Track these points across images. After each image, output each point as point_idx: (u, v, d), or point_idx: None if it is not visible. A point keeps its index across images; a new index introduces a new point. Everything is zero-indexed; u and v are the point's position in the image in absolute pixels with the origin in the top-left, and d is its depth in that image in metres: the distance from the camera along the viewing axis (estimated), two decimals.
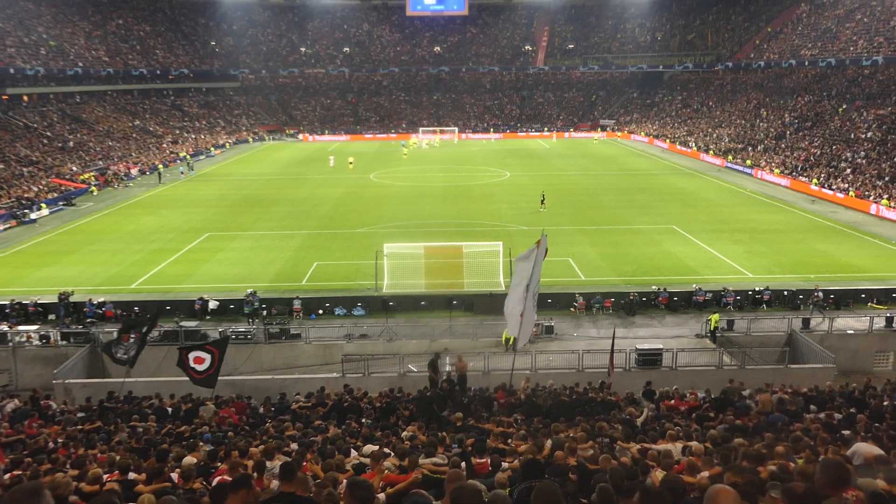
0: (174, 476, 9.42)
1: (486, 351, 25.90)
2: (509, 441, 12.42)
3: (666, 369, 24.92)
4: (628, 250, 39.26)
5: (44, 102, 78.45)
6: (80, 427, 15.47)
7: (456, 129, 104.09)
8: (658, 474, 8.80)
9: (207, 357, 19.22)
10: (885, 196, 48.57)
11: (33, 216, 48.13)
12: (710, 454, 10.56)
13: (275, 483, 7.82)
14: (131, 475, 9.52)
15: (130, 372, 22.54)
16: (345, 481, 7.18)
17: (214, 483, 8.30)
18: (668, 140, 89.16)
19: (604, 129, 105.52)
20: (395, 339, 27.77)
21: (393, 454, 10.68)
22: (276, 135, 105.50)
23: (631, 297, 31.10)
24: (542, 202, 49.84)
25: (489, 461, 9.95)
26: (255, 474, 8.45)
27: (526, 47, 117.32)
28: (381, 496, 7.74)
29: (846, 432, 13.32)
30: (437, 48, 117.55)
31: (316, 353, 27.50)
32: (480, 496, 4.31)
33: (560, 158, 79.48)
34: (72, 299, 30.44)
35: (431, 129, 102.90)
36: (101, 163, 69.20)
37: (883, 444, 11.08)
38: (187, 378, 19.30)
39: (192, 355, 19.21)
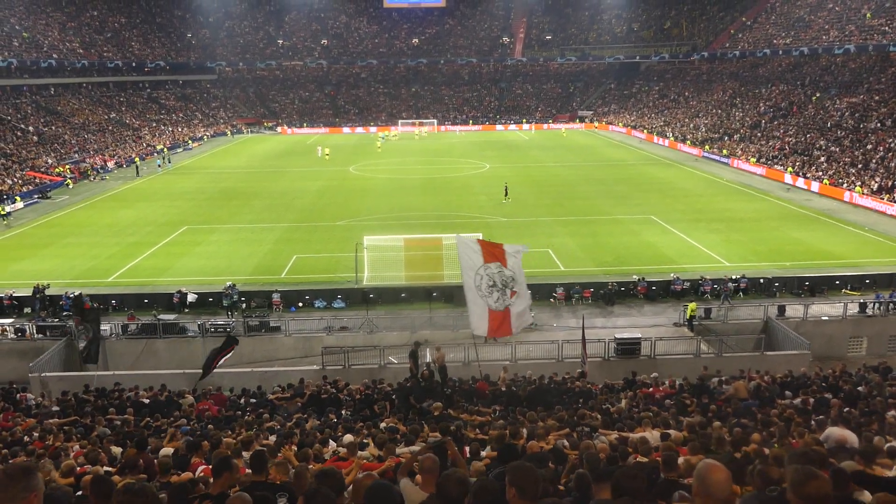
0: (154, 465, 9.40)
1: (466, 342, 25.92)
2: (488, 430, 12.50)
3: (644, 358, 25.13)
4: (607, 240, 39.49)
5: (17, 94, 77.24)
6: (56, 420, 15.37)
7: (435, 121, 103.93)
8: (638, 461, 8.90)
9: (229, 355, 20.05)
10: (859, 183, 49.22)
11: (8, 209, 47.48)
12: (689, 441, 10.70)
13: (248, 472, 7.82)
14: (106, 469, 9.48)
15: (108, 365, 22.43)
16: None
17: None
18: (645, 130, 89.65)
19: (581, 119, 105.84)
20: (376, 331, 27.76)
21: (372, 444, 10.72)
22: (254, 127, 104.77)
23: (610, 287, 31.30)
24: (506, 194, 49.98)
25: (468, 450, 10.01)
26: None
27: (504, 39, 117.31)
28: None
29: (820, 417, 13.57)
30: (415, 40, 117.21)
31: (296, 346, 27.44)
32: (465, 485, 4.34)
33: (539, 150, 79.65)
34: (48, 292, 30.11)
35: (410, 121, 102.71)
36: (76, 156, 68.38)
37: (854, 428, 11.31)
38: (166, 371, 19.27)
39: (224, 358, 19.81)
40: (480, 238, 19.73)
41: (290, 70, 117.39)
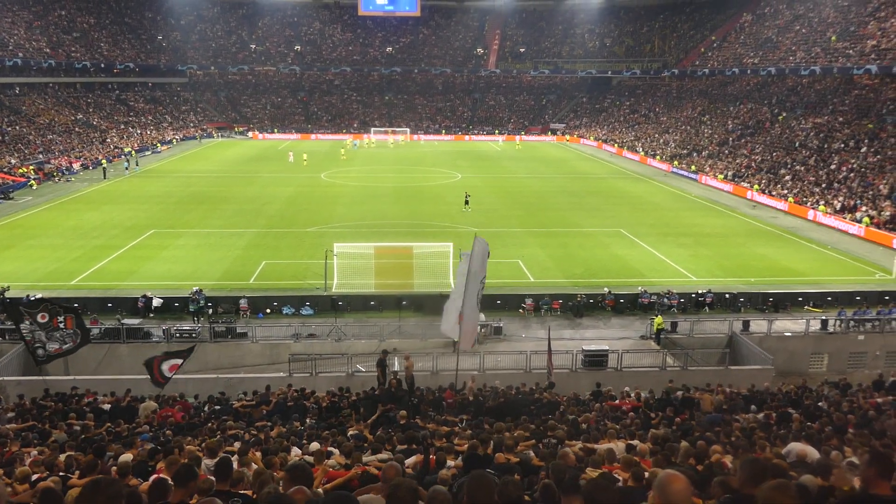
0: (112, 473, 9.20)
1: (435, 351, 25.93)
2: (454, 440, 12.46)
3: (611, 370, 25.32)
4: (577, 252, 39.76)
5: None
6: (13, 426, 14.99)
7: (408, 129, 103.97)
8: (592, 473, 8.93)
9: (179, 362, 19.68)
10: (822, 202, 50.18)
11: None
12: (654, 453, 10.78)
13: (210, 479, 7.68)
14: (61, 474, 9.28)
15: (69, 370, 21.99)
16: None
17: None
18: (616, 144, 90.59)
19: (554, 132, 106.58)
20: (344, 339, 27.62)
21: (338, 452, 10.62)
22: (224, 132, 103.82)
23: (579, 299, 31.49)
24: (466, 203, 50.15)
25: (434, 459, 9.96)
26: None
27: (478, 50, 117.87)
28: (320, 490, 7.68)
29: (782, 431, 13.75)
30: (390, 48, 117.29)
31: (263, 353, 27.21)
32: (416, 493, 4.30)
33: (510, 161, 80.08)
34: (7, 294, 29.46)
35: (383, 129, 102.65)
36: (41, 156, 67.16)
37: (815, 443, 11.48)
38: (130, 377, 18.96)
39: (167, 363, 19.18)
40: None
41: (263, 75, 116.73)
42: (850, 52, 68.02)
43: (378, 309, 31.24)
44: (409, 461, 9.85)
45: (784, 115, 72.29)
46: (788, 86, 79.16)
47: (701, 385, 21.07)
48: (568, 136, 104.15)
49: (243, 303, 30.38)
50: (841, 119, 64.55)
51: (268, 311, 30.79)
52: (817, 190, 53.25)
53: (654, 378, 24.03)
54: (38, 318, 21.01)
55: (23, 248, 38.69)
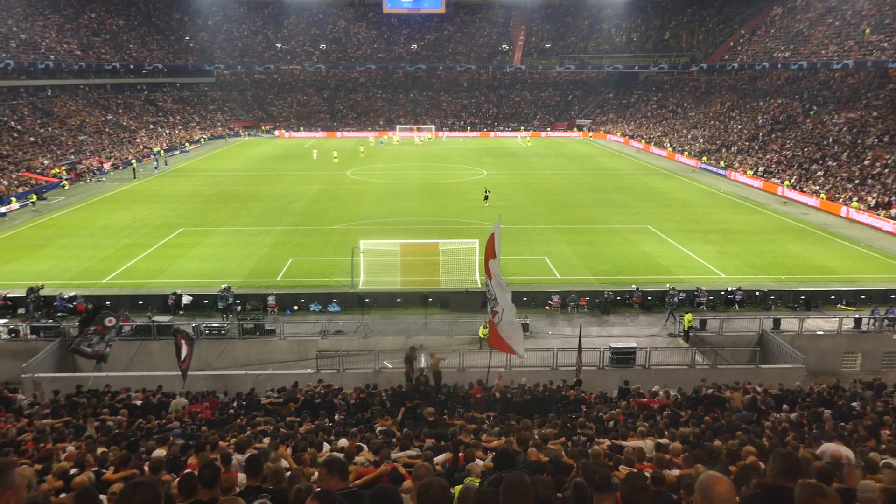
0: (145, 469, 9.33)
1: (461, 348, 25.94)
2: (482, 437, 12.44)
3: (639, 368, 25.13)
4: (604, 249, 39.51)
5: (14, 96, 77.04)
6: (48, 421, 15.25)
7: (433, 126, 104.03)
8: (624, 470, 8.86)
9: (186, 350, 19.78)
10: (855, 199, 49.35)
11: (3, 210, 47.31)
12: (683, 453, 10.66)
13: (242, 476, 7.74)
14: (94, 470, 9.41)
15: (102, 367, 22.30)
16: (316, 472, 7.15)
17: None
18: (643, 140, 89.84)
19: (580, 128, 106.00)
20: (371, 336, 27.70)
21: (367, 448, 10.65)
22: (251, 131, 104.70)
23: (605, 296, 31.29)
24: (486, 198, 50.15)
25: (463, 456, 9.96)
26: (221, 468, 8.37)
27: (503, 46, 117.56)
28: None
29: (814, 431, 13.54)
30: (414, 46, 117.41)
31: (290, 349, 27.38)
32: (447, 492, 4.28)
33: (536, 157, 79.76)
34: (42, 293, 29.98)
35: (408, 126, 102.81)
36: (72, 157, 68.21)
37: (848, 444, 11.29)
38: (161, 373, 19.22)
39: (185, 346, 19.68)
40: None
41: (289, 74, 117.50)
42: (885, 45, 66.73)
43: (404, 306, 31.30)
44: (438, 459, 9.85)
45: (815, 109, 71.18)
46: (820, 80, 77.91)
47: (730, 384, 20.82)
48: (592, 133, 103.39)
49: (271, 300, 30.60)
50: (875, 114, 63.37)
51: (295, 308, 30.98)
52: (850, 186, 52.37)
53: (683, 376, 23.79)
54: (106, 322, 21.62)
55: (56, 248, 39.32)
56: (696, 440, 12.10)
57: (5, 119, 69.69)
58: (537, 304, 31.49)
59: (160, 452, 10.55)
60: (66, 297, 29.72)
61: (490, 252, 18.93)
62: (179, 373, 20.64)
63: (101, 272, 34.82)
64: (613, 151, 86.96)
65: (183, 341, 20.35)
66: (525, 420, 13.34)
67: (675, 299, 30.27)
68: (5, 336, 26.71)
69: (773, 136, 71.08)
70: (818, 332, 28.49)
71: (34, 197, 51.66)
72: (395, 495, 4.25)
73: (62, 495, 7.61)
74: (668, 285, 32.10)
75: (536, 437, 10.16)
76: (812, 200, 52.37)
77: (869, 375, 24.30)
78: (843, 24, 77.70)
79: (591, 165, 74.04)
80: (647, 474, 8.59)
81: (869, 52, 68.34)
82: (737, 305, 31.38)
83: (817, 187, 54.37)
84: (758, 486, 5.76)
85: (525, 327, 28.49)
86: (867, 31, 71.69)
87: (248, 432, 12.67)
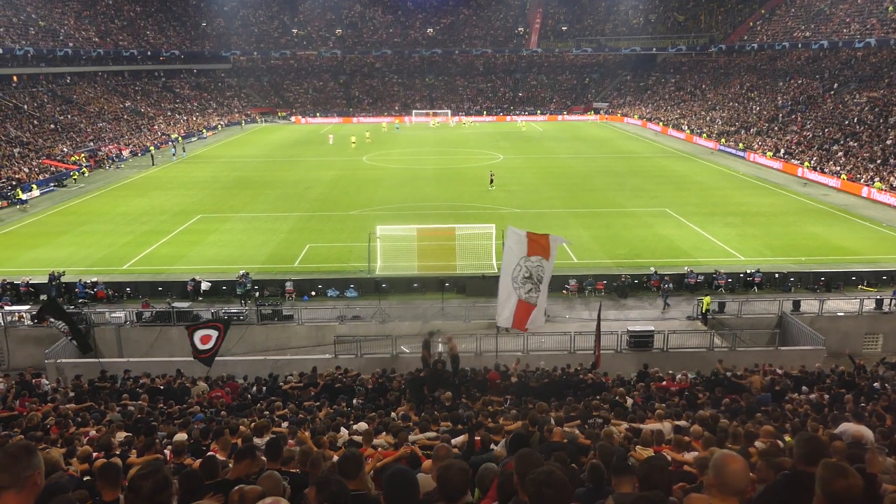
0: (166, 453, 9.46)
1: (479, 332, 25.97)
2: (499, 419, 12.47)
3: (657, 351, 25.05)
4: (621, 233, 39.32)
5: (33, 83, 77.70)
6: (72, 406, 15.49)
7: (449, 111, 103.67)
8: (643, 452, 8.87)
9: (214, 334, 19.58)
10: (877, 179, 48.71)
11: (24, 197, 47.82)
12: (700, 435, 10.65)
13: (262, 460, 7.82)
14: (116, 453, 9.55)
15: (123, 352, 22.57)
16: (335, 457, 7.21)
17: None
18: (661, 123, 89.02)
19: (597, 111, 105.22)
20: (388, 321, 27.79)
21: (385, 431, 10.72)
22: (268, 117, 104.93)
23: (623, 280, 31.18)
24: (491, 182, 49.93)
25: (480, 439, 9.99)
26: None
27: (519, 29, 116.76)
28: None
29: (834, 412, 13.46)
30: (430, 30, 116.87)
31: (308, 335, 27.54)
32: (466, 474, 4.30)
33: (553, 141, 79.31)
34: (63, 280, 30.33)
35: (424, 111, 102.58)
36: (91, 144, 68.75)
37: (869, 424, 11.20)
38: (180, 359, 19.38)
39: (198, 334, 19.46)
40: (530, 232, 19.14)
41: (305, 60, 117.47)
42: None
43: (421, 291, 31.36)
44: (456, 440, 9.90)
45: (836, 86, 70.14)
46: (842, 59, 76.75)
47: (749, 366, 20.71)
48: (609, 116, 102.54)
49: (289, 286, 30.76)
50: None
51: (313, 293, 31.13)
52: (872, 166, 51.66)
53: (702, 359, 23.70)
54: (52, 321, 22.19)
55: (76, 235, 39.74)
56: (714, 422, 12.07)
57: (25, 106, 70.31)
58: (554, 287, 31.25)
59: (182, 437, 10.68)
60: (86, 283, 30.04)
61: (540, 249, 18.92)
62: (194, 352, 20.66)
63: (120, 259, 35.16)
64: (631, 134, 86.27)
65: (211, 330, 20.31)
66: (541, 403, 13.37)
67: (669, 285, 29.91)
68: (28, 322, 27.05)
69: (794, 116, 70.18)
70: (839, 314, 28.24)
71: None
72: (411, 478, 4.27)
73: (86, 479, 7.74)
74: (686, 268, 31.94)
75: (552, 419, 10.17)
76: (833, 181, 51.73)
77: (891, 356, 24.06)
78: (865, 1, 76.42)
79: (608, 149, 73.54)
80: (668, 456, 8.60)
81: (892, 29, 67.26)
82: (756, 288, 31.15)
83: (838, 168, 53.69)
84: (776, 472, 5.74)
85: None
86: (891, 8, 70.47)
87: (267, 416, 12.79)
